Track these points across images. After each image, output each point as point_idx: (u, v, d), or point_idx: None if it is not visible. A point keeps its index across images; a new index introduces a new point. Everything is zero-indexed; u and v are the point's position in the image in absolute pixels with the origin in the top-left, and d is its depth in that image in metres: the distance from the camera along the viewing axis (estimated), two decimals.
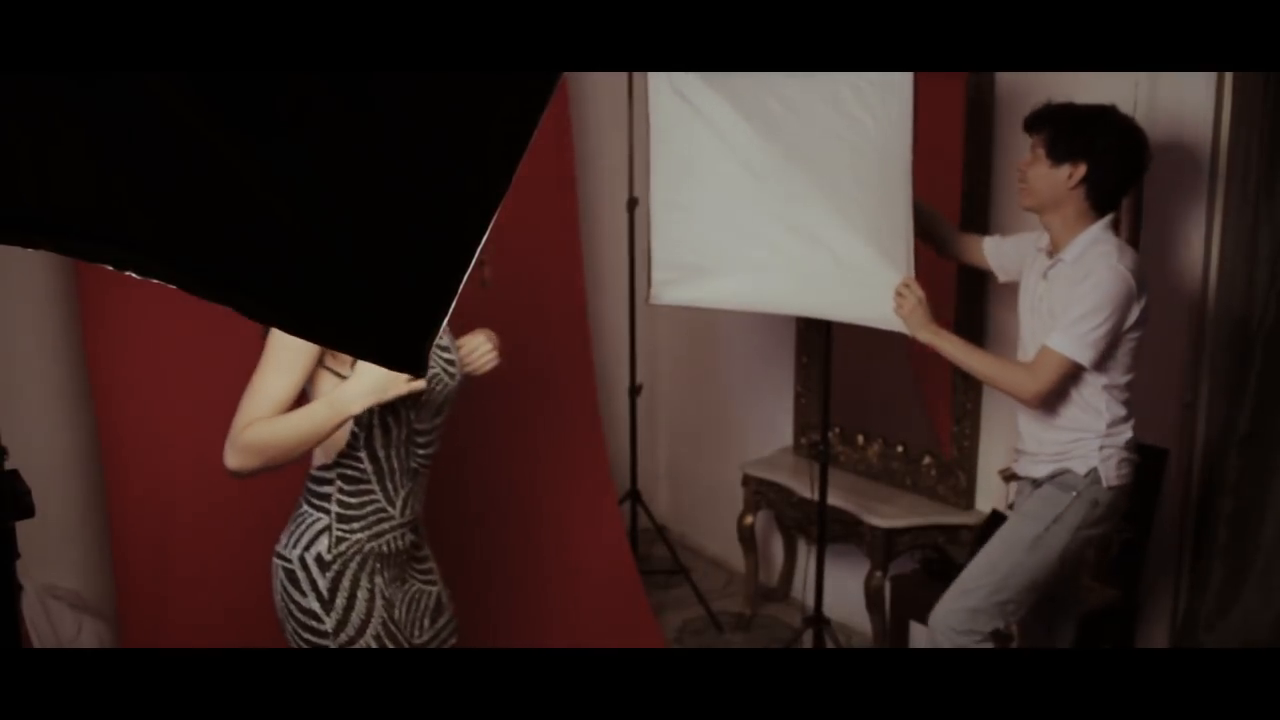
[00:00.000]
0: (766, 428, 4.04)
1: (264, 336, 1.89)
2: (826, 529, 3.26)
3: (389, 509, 2.02)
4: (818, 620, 3.33)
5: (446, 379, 2.02)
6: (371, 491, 1.99)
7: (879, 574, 3.23)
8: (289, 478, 2.97)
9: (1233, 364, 2.65)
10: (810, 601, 3.40)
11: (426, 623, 2.12)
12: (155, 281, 0.74)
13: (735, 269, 2.94)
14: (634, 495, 3.92)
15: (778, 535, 3.97)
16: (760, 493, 3.74)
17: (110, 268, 0.74)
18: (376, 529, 2.00)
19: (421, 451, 2.06)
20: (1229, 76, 2.57)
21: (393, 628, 2.02)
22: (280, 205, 0.73)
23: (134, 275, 0.74)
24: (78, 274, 2.87)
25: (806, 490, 3.37)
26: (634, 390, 3.90)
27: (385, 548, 2.02)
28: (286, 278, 0.76)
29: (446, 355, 2.04)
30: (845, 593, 3.49)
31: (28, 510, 0.98)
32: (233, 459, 1.88)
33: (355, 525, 1.98)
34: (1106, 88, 2.80)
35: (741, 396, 4.25)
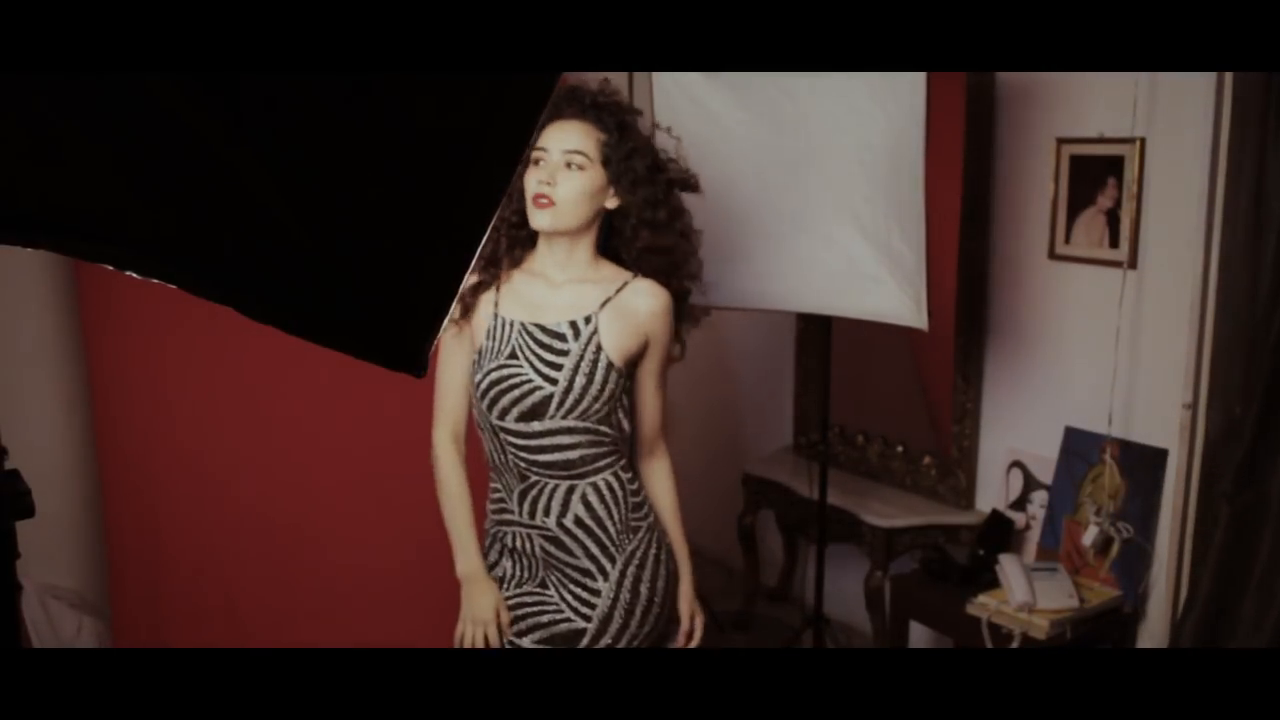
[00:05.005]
0: (766, 428, 4.04)
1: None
2: (826, 529, 3.26)
3: (508, 502, 2.02)
4: (818, 620, 3.33)
5: (538, 382, 1.93)
6: (495, 480, 2.06)
7: (879, 574, 3.23)
8: (283, 478, 2.97)
9: (1233, 364, 2.65)
10: (810, 601, 3.40)
11: (536, 636, 2.01)
12: (155, 281, 0.74)
13: (742, 269, 2.94)
14: None
15: (778, 535, 3.97)
16: (760, 493, 3.74)
17: (110, 268, 0.74)
18: (501, 517, 2.04)
19: (524, 456, 1.95)
20: (1229, 76, 2.56)
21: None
22: (280, 205, 0.73)
23: (134, 275, 0.74)
24: (78, 274, 2.87)
25: (806, 490, 3.37)
26: None
27: (513, 541, 2.03)
28: (287, 278, 0.76)
29: (545, 357, 1.95)
30: (845, 593, 3.49)
31: (28, 510, 0.97)
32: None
33: (491, 506, 2.07)
34: (1107, 88, 2.81)
35: (741, 396, 4.25)
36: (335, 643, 2.86)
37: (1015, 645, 2.71)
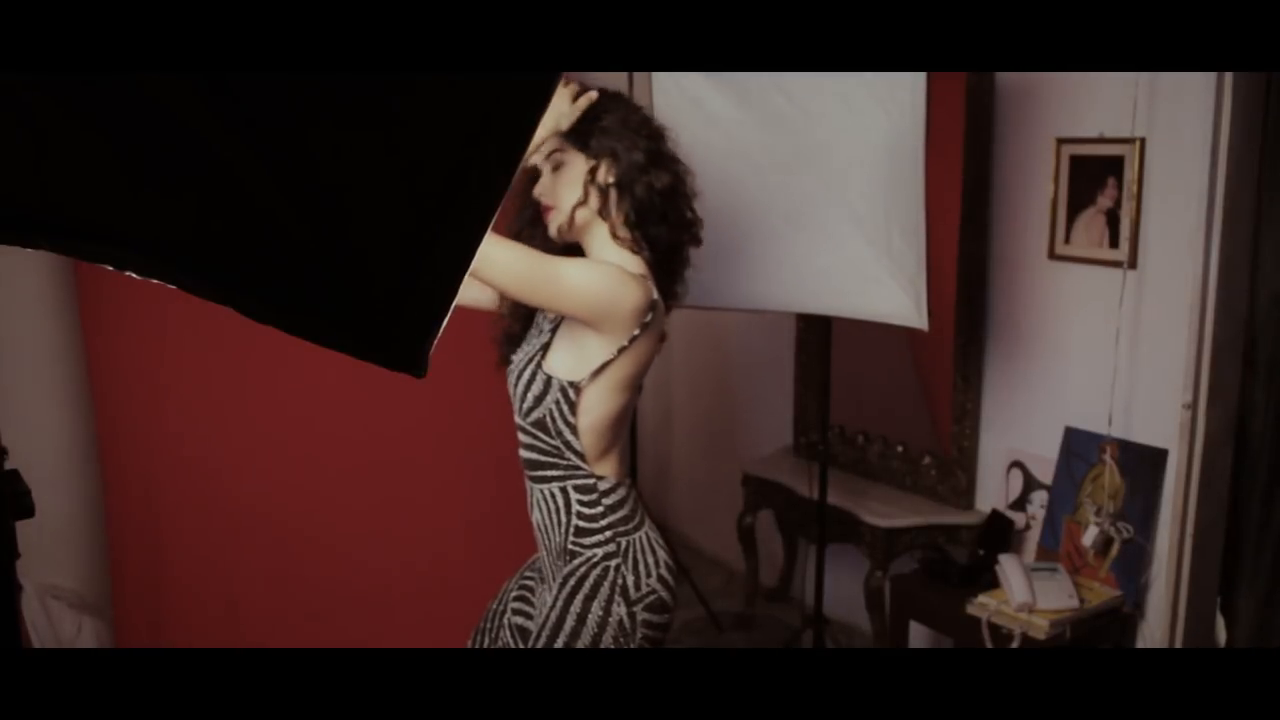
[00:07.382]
0: (766, 428, 4.04)
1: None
2: (826, 529, 3.26)
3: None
4: (818, 620, 3.33)
5: (516, 372, 1.91)
6: None
7: (879, 574, 3.23)
8: (284, 478, 2.97)
9: (1233, 364, 2.65)
10: (810, 601, 3.40)
11: (517, 619, 2.05)
12: (155, 281, 0.74)
13: (742, 270, 2.94)
14: None
15: (778, 535, 3.97)
16: (760, 493, 3.74)
17: (110, 268, 0.74)
18: None
19: (520, 449, 1.94)
20: (1229, 76, 2.57)
21: (492, 608, 2.09)
22: (280, 205, 0.73)
23: (134, 275, 0.74)
24: (78, 274, 2.87)
25: (806, 490, 3.37)
26: None
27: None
28: (287, 278, 0.76)
29: (527, 351, 1.92)
30: (845, 593, 3.49)
31: (28, 510, 0.97)
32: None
33: None
34: (1107, 88, 2.81)
35: (741, 396, 4.25)
36: (335, 643, 2.86)
37: (1015, 645, 2.71)
